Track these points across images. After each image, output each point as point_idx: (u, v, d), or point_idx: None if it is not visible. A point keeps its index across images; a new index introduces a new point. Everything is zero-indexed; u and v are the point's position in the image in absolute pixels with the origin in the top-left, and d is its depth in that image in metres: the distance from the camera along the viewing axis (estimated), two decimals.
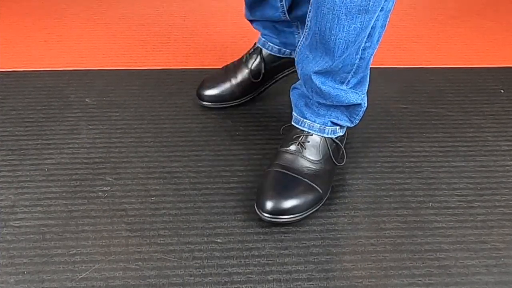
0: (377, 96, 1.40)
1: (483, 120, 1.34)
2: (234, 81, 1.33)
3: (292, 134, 1.14)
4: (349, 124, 1.15)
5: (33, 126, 1.29)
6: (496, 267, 0.99)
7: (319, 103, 1.11)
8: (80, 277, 0.96)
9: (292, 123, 1.16)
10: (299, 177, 1.07)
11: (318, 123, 1.12)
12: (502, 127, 1.31)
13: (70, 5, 1.82)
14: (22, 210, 1.08)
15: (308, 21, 1.02)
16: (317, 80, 1.06)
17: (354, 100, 1.10)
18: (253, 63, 1.32)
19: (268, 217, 1.03)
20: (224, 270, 0.98)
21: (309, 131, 1.12)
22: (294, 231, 1.05)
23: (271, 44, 1.31)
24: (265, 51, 1.32)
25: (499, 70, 1.52)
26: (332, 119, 1.12)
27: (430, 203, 1.11)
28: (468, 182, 1.16)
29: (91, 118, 1.32)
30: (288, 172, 1.08)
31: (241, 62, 1.34)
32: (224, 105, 1.34)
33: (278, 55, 1.32)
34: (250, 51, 1.33)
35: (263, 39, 1.32)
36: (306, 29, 1.04)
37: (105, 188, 1.14)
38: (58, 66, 1.52)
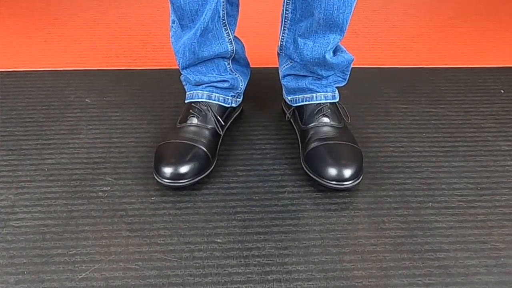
0: (377, 96, 1.40)
1: (483, 120, 1.34)
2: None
3: (310, 111, 1.21)
4: (344, 82, 1.25)
5: (33, 126, 1.29)
6: (496, 267, 0.99)
7: (327, 76, 1.20)
8: (80, 277, 0.96)
9: (303, 103, 1.23)
10: (344, 143, 1.16)
11: (329, 92, 1.22)
12: (502, 127, 1.31)
13: (70, 5, 1.82)
14: (22, 210, 1.08)
15: (294, 14, 1.14)
16: (329, 57, 1.15)
17: (350, 58, 1.20)
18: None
19: (348, 184, 1.10)
20: (224, 270, 0.98)
21: (326, 101, 1.21)
22: (294, 231, 1.05)
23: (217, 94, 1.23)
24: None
25: (499, 70, 1.52)
26: (335, 85, 1.24)
27: (430, 203, 1.11)
28: (468, 182, 1.16)
29: (91, 118, 1.32)
30: (334, 142, 1.15)
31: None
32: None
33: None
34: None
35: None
36: (289, 22, 1.15)
37: (105, 188, 1.14)
38: (58, 66, 1.52)
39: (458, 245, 1.03)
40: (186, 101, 1.23)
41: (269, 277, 0.97)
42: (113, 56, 1.57)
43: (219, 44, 1.17)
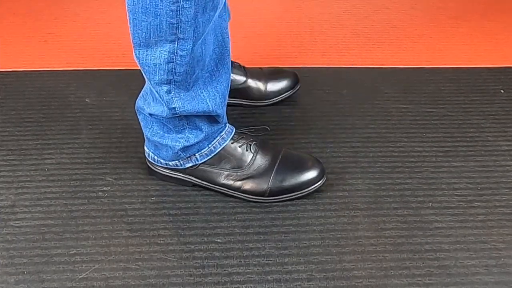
0: (377, 96, 1.40)
1: (483, 120, 1.34)
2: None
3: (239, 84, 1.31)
4: None
5: (33, 126, 1.29)
6: (496, 267, 0.99)
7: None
8: (80, 277, 0.96)
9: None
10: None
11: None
12: (502, 127, 1.31)
13: (70, 5, 1.82)
14: (22, 210, 1.08)
15: None
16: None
17: None
18: None
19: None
20: (224, 270, 0.98)
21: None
22: (294, 231, 1.05)
23: None
24: None
25: (499, 70, 1.52)
26: None
27: (430, 203, 1.11)
28: (468, 182, 1.16)
29: (91, 118, 1.32)
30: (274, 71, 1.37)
31: None
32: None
33: None
34: None
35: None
36: None
37: (105, 188, 1.14)
38: (58, 66, 1.52)
39: (458, 245, 1.03)
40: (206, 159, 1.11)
41: (269, 277, 0.97)
42: (113, 56, 1.57)
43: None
